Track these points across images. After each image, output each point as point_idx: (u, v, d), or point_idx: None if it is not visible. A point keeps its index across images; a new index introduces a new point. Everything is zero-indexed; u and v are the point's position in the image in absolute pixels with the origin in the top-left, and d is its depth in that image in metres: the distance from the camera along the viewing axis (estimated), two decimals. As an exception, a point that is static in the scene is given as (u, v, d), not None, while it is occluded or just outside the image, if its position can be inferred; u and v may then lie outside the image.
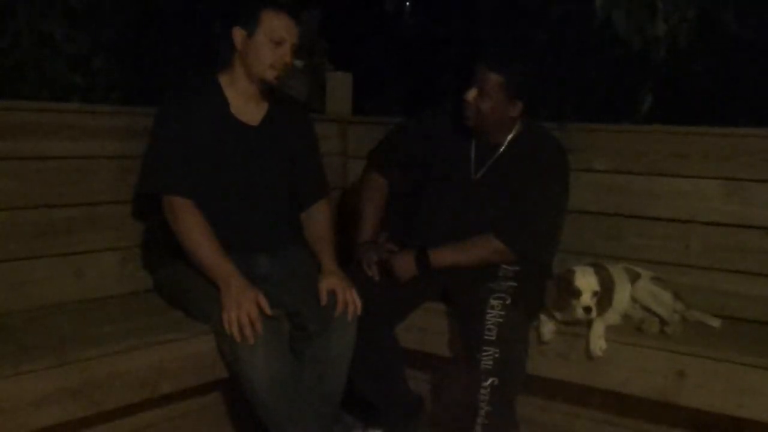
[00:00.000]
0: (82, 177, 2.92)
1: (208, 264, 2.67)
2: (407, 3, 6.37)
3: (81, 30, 3.99)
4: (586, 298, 2.73)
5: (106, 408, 2.43)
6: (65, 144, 2.86)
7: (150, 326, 2.65)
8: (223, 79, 2.89)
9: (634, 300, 2.88)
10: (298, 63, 4.14)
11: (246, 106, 2.89)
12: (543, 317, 2.82)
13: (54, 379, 2.26)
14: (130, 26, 4.53)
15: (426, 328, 3.05)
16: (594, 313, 2.72)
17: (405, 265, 2.96)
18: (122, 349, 2.43)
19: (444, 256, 2.95)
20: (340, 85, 4.10)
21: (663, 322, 2.80)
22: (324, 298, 2.74)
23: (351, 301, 2.76)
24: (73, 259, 2.91)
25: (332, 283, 2.78)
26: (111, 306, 2.90)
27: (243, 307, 2.54)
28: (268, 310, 2.59)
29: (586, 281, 2.75)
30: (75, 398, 2.32)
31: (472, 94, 2.90)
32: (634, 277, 2.91)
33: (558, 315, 2.81)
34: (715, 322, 2.89)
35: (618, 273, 2.86)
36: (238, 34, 2.80)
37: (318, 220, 3.04)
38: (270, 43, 2.77)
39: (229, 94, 2.87)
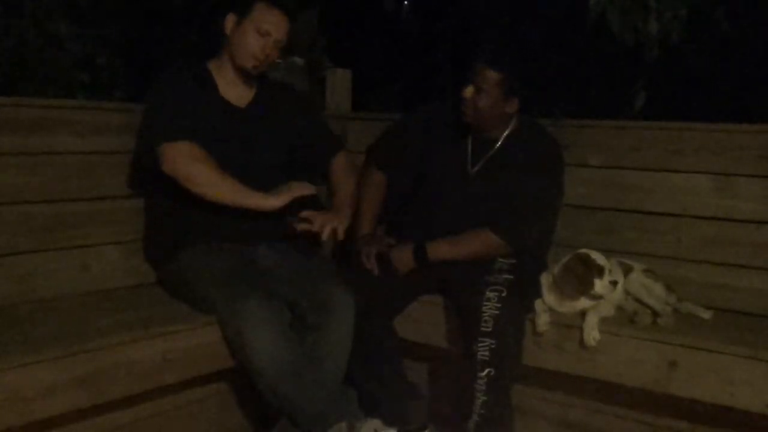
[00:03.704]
0: (88, 172, 2.96)
1: (235, 189, 2.74)
2: (406, 1, 6.40)
3: (86, 28, 4.01)
4: (609, 274, 2.79)
5: (111, 398, 2.47)
6: (70, 140, 2.90)
7: (154, 317, 2.68)
8: (212, 65, 2.95)
9: (627, 292, 2.91)
10: (299, 61, 4.17)
11: (234, 89, 2.95)
12: (538, 308, 2.86)
13: (60, 369, 2.30)
14: (135, 24, 4.55)
15: (423, 320, 3.09)
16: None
17: (403, 258, 3.01)
18: (127, 339, 2.47)
19: (441, 250, 2.99)
20: (339, 82, 4.12)
21: (655, 313, 2.84)
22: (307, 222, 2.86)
23: (324, 224, 2.84)
24: (78, 252, 2.95)
25: (324, 215, 2.89)
26: (116, 298, 2.92)
27: (278, 200, 2.74)
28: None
29: (604, 259, 2.81)
30: (81, 388, 2.36)
31: (469, 91, 2.94)
32: (627, 270, 2.93)
33: (582, 301, 2.83)
34: (706, 314, 2.91)
35: (612, 266, 2.87)
36: (230, 19, 2.86)
37: (336, 175, 3.14)
38: (255, 33, 2.82)
39: (218, 78, 2.93)
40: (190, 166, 2.71)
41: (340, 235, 2.84)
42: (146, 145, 2.83)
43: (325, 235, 2.82)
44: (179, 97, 2.81)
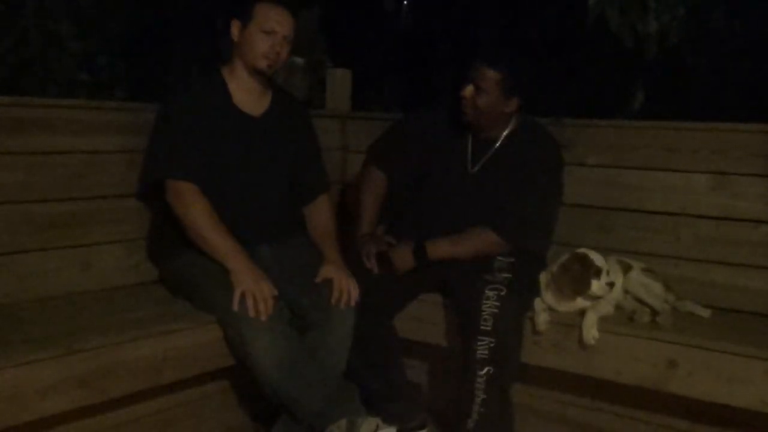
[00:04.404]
0: (89, 171, 2.95)
1: (218, 248, 2.73)
2: (405, 1, 6.42)
3: (87, 28, 4.02)
4: (606, 275, 2.79)
5: (112, 396, 2.47)
6: (72, 139, 2.90)
7: (155, 316, 2.68)
8: (225, 72, 2.96)
9: (626, 291, 2.92)
10: (299, 60, 4.19)
11: (248, 98, 2.96)
12: (537, 307, 2.87)
13: (61, 367, 2.30)
14: (135, 24, 4.57)
15: (423, 319, 3.09)
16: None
17: (403, 257, 3.02)
18: (128, 338, 2.47)
19: (441, 249, 3.00)
20: (340, 82, 4.13)
21: (654, 312, 2.84)
22: (319, 280, 2.82)
23: (346, 290, 2.83)
24: (80, 251, 2.95)
25: (330, 271, 2.85)
26: (117, 297, 2.93)
27: (257, 284, 2.63)
28: (275, 292, 2.67)
29: (602, 260, 2.81)
30: (82, 386, 2.36)
31: (468, 90, 2.95)
32: (626, 269, 2.94)
33: (578, 301, 2.84)
34: (705, 313, 2.92)
35: (611, 264, 2.89)
36: (235, 26, 2.89)
37: (320, 215, 3.11)
38: (261, 33, 2.84)
39: (232, 85, 2.94)
40: (188, 210, 2.76)
41: (354, 297, 2.85)
42: (151, 168, 2.89)
43: (344, 304, 2.83)
44: (189, 122, 2.82)
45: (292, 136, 3.07)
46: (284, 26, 2.86)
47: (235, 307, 2.61)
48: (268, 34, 2.84)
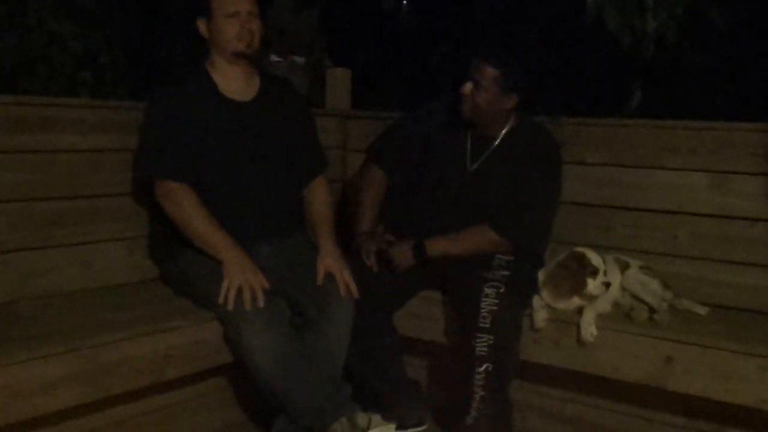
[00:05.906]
0: (90, 169, 2.97)
1: (209, 240, 2.75)
2: (404, 1, 6.43)
3: (89, 27, 4.03)
4: (603, 275, 2.81)
5: (113, 393, 2.49)
6: (74, 137, 2.91)
7: (156, 314, 2.70)
8: (208, 66, 2.97)
9: (623, 289, 2.93)
10: (299, 60, 4.20)
11: (233, 85, 2.96)
12: (536, 305, 2.87)
13: (63, 364, 2.32)
14: (137, 23, 4.58)
15: (423, 316, 3.10)
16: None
17: (402, 255, 3.03)
18: (129, 336, 2.49)
19: (440, 246, 3.02)
20: (339, 81, 4.14)
21: (652, 309, 2.85)
22: (320, 279, 2.84)
23: (345, 282, 2.85)
24: (81, 249, 2.96)
25: (328, 264, 2.86)
26: (118, 294, 2.94)
27: (247, 276, 2.65)
28: (266, 284, 2.69)
29: (599, 260, 2.82)
30: (83, 383, 2.37)
31: (468, 87, 2.96)
32: (624, 267, 2.95)
33: (574, 300, 2.85)
34: (702, 310, 2.93)
35: (608, 262, 2.91)
36: (201, 23, 2.92)
37: (316, 198, 3.11)
38: (226, 19, 2.86)
39: (216, 77, 2.95)
40: (177, 207, 2.78)
41: (351, 284, 2.88)
42: (139, 166, 2.93)
43: (343, 293, 2.86)
44: (177, 116, 2.83)
45: (286, 119, 3.07)
46: (244, 4, 2.88)
47: (221, 300, 2.63)
48: (232, 17, 2.86)
